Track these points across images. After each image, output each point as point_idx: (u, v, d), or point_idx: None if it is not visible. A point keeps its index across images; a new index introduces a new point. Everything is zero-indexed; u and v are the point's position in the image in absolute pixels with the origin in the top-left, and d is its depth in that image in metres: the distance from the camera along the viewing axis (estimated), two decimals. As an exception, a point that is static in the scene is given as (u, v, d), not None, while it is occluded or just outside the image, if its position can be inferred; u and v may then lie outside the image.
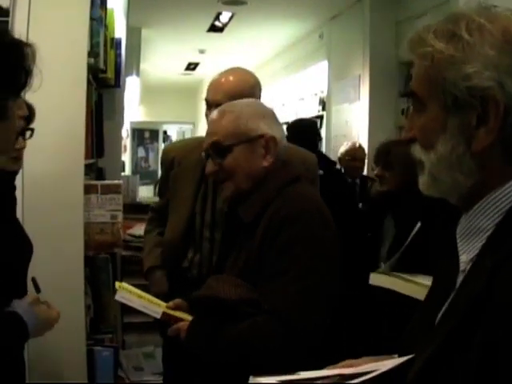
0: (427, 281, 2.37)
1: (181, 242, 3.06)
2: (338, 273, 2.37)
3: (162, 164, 3.35)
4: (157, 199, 3.50)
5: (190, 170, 3.11)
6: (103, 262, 3.86)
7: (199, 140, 3.19)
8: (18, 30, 2.40)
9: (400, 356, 1.47)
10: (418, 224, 3.00)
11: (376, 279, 2.63)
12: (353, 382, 1.31)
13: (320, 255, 2.28)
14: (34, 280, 2.38)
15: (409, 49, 1.39)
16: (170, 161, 3.21)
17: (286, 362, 2.21)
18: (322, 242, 2.29)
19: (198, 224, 3.06)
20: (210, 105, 3.02)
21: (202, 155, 2.88)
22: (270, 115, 2.51)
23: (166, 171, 3.25)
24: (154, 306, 2.47)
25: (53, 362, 3.24)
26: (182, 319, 2.41)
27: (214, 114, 2.50)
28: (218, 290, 2.29)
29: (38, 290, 2.32)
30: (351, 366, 1.51)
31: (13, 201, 2.60)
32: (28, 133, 2.79)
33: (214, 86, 3.08)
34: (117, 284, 2.57)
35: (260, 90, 3.12)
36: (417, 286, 2.43)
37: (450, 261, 1.42)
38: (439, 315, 1.36)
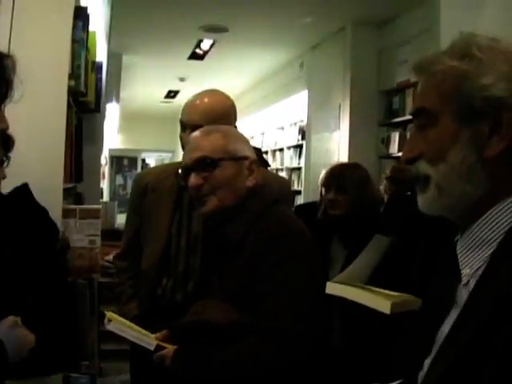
0: (396, 293, 2.41)
1: (156, 270, 3.03)
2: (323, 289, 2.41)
3: (133, 191, 3.29)
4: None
5: (165, 195, 3.08)
6: (81, 287, 3.79)
7: (173, 166, 3.18)
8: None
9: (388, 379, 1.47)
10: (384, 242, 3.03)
11: (332, 288, 2.63)
12: None
13: (310, 271, 2.29)
14: None
15: (417, 69, 1.45)
16: (144, 187, 3.16)
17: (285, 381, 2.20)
18: (309, 260, 2.31)
19: (174, 250, 3.03)
20: (185, 126, 2.99)
21: (176, 179, 2.87)
22: (248, 141, 2.57)
23: (138, 198, 3.19)
24: (146, 338, 2.42)
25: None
26: None
27: (198, 132, 2.49)
28: (206, 315, 2.25)
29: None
30: None
31: None
32: (5, 162, 2.74)
33: (190, 107, 3.04)
34: (108, 314, 2.52)
35: (235, 112, 3.11)
36: (381, 298, 2.43)
37: (442, 279, 1.47)
38: (444, 329, 1.38)
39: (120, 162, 16.61)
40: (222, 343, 2.23)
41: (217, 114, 2.96)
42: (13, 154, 2.80)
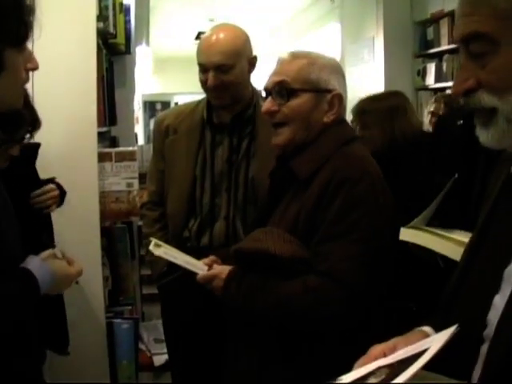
0: (464, 237, 2.22)
1: (183, 213, 3.00)
2: (396, 238, 2.29)
3: (155, 134, 3.24)
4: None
5: (187, 135, 3.05)
6: (120, 231, 3.79)
7: (192, 106, 3.15)
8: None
9: (443, 320, 1.40)
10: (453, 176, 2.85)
11: (407, 234, 2.46)
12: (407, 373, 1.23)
13: (381, 219, 2.17)
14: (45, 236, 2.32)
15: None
16: (165, 129, 3.12)
17: (341, 328, 2.15)
18: (382, 206, 2.18)
19: (198, 191, 3.01)
20: (207, 68, 2.92)
21: (197, 119, 2.94)
22: (340, 72, 2.39)
23: (161, 140, 3.15)
24: (196, 262, 2.40)
25: (72, 336, 3.17)
26: None
27: (285, 54, 2.35)
28: (267, 243, 2.15)
29: (52, 245, 2.23)
30: (383, 353, 1.43)
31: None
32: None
33: (207, 47, 2.95)
34: (153, 240, 2.50)
35: (250, 43, 3.04)
36: (453, 245, 2.28)
37: (503, 213, 1.36)
38: None
39: (153, 106, 16.56)
40: (280, 276, 2.16)
41: (236, 49, 2.91)
42: (44, 98, 2.76)
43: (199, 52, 2.95)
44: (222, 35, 2.93)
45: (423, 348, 1.29)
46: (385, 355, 1.40)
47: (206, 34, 2.99)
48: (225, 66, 2.88)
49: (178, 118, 3.12)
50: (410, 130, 3.50)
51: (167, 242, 2.83)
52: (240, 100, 2.99)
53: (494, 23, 1.25)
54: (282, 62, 2.33)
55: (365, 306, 2.12)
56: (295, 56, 2.32)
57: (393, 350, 1.40)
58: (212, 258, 2.44)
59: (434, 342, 1.30)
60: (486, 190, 1.54)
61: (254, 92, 3.08)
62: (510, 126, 1.27)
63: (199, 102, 3.14)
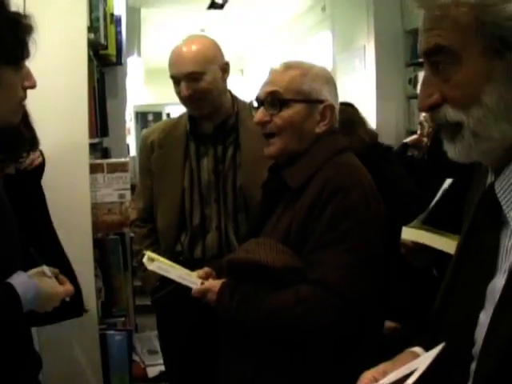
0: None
1: (174, 226, 3.02)
2: (387, 247, 2.29)
3: (141, 151, 3.27)
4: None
5: (172, 149, 3.07)
6: (113, 243, 3.77)
7: (175, 120, 3.20)
8: (15, 1, 2.30)
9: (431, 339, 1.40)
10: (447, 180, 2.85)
11: (408, 233, 2.48)
12: None
13: (374, 227, 2.18)
14: (34, 253, 2.29)
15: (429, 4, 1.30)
16: (150, 145, 3.15)
17: (334, 337, 2.14)
18: (375, 215, 2.19)
19: (188, 203, 3.02)
20: (179, 79, 2.94)
21: (181, 132, 2.99)
22: (332, 83, 2.41)
23: (147, 157, 3.19)
24: (189, 277, 2.38)
25: (65, 348, 3.15)
26: None
27: (278, 65, 2.36)
28: (259, 254, 2.15)
29: (40, 262, 2.21)
30: (374, 379, 1.42)
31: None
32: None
33: (176, 58, 2.99)
34: (147, 253, 2.48)
35: (221, 51, 3.06)
36: (452, 241, 2.29)
37: (479, 225, 1.36)
38: (496, 282, 1.27)
39: (145, 117, 16.55)
40: (272, 286, 2.15)
41: (205, 56, 2.94)
42: (37, 110, 2.74)
43: (170, 65, 3.00)
44: (190, 46, 2.97)
45: (413, 369, 1.29)
46: (376, 381, 1.39)
47: (175, 46, 3.02)
48: (195, 73, 2.91)
49: (162, 133, 3.15)
50: (369, 140, 3.63)
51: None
52: (219, 108, 3.01)
53: (454, 36, 1.25)
54: (274, 72, 2.34)
55: (357, 315, 2.11)
56: (288, 66, 2.33)
57: (383, 374, 1.40)
58: (206, 269, 2.44)
59: (422, 361, 1.30)
60: (467, 203, 1.54)
61: (235, 100, 3.10)
62: (476, 139, 1.26)
63: (182, 115, 3.18)
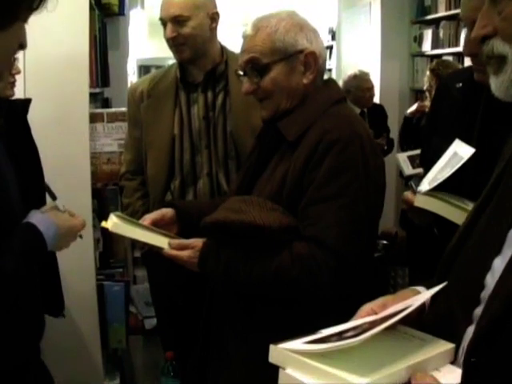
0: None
1: (164, 175, 3.02)
2: (383, 202, 2.27)
3: (129, 102, 3.26)
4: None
5: (162, 98, 3.08)
6: (111, 193, 3.75)
7: (164, 70, 3.22)
8: None
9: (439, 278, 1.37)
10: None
11: (421, 201, 2.37)
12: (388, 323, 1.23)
13: (370, 183, 2.14)
14: (47, 188, 2.24)
15: None
16: (139, 95, 3.16)
17: (331, 294, 2.11)
18: (372, 169, 2.15)
19: (178, 151, 3.03)
20: (165, 22, 3.00)
21: (171, 81, 2.99)
22: (307, 26, 2.32)
23: (136, 107, 3.18)
24: (157, 236, 2.29)
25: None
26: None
27: (247, 29, 2.30)
28: (253, 214, 2.08)
29: (53, 197, 2.16)
30: (372, 311, 1.41)
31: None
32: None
33: (166, 1, 3.04)
34: (110, 214, 2.36)
35: (214, 2, 3.08)
36: (463, 213, 2.20)
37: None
38: None
39: (148, 71, 16.41)
40: (264, 246, 2.11)
41: (193, 2, 2.96)
42: (35, 57, 2.72)
43: (160, 8, 3.04)
44: None
45: (410, 304, 1.28)
46: (375, 313, 1.38)
47: None
48: (180, 17, 2.95)
49: (152, 82, 3.16)
50: None
51: (147, 210, 2.81)
52: (205, 55, 3.03)
53: None
54: (246, 38, 2.30)
55: (353, 273, 2.09)
56: (257, 28, 2.26)
57: (382, 307, 1.39)
58: (156, 215, 2.39)
59: (420, 298, 1.29)
60: (500, 153, 1.51)
61: (224, 49, 3.12)
62: None
63: (171, 65, 3.21)
